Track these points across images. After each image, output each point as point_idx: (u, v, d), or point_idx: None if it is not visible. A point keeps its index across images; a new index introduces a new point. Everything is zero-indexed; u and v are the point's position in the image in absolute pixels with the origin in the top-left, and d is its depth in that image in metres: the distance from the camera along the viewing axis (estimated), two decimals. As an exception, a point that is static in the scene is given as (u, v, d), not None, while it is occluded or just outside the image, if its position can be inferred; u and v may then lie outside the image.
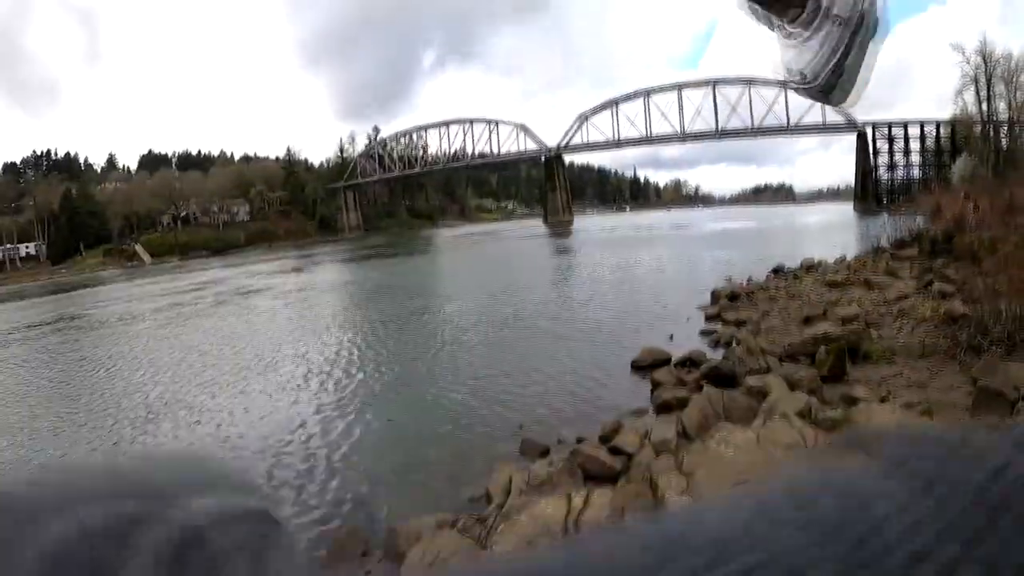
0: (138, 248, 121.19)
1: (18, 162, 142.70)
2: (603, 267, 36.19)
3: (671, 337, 16.13)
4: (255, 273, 54.95)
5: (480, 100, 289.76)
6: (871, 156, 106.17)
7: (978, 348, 10.02)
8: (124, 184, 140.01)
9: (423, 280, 39.59)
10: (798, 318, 15.55)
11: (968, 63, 66.46)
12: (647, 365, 13.45)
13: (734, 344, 14.08)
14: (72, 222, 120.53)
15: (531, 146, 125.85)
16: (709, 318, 18.45)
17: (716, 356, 13.76)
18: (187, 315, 31.25)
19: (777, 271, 25.93)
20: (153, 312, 34.13)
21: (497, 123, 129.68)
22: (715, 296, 21.16)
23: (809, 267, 25.63)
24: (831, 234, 44.40)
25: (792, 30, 0.72)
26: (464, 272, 43.58)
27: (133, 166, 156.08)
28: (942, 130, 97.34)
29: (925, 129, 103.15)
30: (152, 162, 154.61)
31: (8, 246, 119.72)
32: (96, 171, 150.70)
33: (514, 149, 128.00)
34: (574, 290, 27.80)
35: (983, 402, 7.89)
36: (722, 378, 10.92)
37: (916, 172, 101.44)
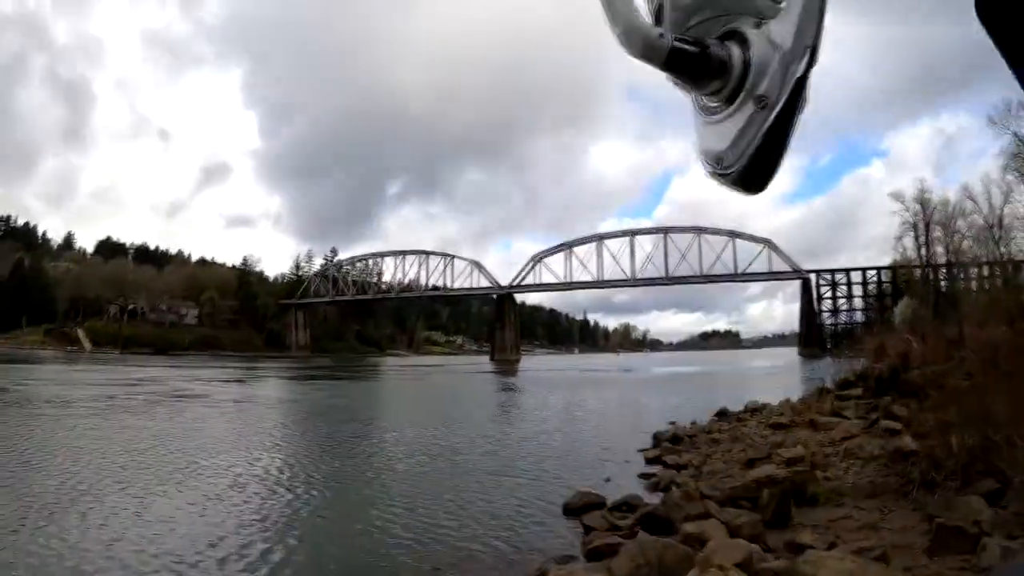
0: (80, 333, 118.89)
1: None
2: (545, 407, 35.21)
3: (607, 480, 15.13)
4: (196, 378, 53.52)
5: (438, 232, 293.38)
6: (815, 301, 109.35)
7: (931, 484, 9.23)
8: (77, 266, 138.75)
9: (364, 407, 38.32)
10: (741, 461, 14.70)
11: (907, 210, 69.60)
12: (579, 507, 12.38)
13: (673, 488, 13.15)
14: (18, 292, 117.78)
15: (484, 282, 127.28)
16: (649, 460, 17.45)
17: (654, 500, 12.80)
18: (119, 408, 30.51)
19: (721, 414, 25.19)
20: (87, 400, 33.40)
21: (453, 258, 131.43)
22: (656, 439, 20.28)
23: (753, 410, 24.96)
24: (776, 378, 44.39)
25: (712, 105, 0.70)
26: (406, 402, 42.74)
27: (90, 248, 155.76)
28: (883, 275, 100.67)
29: (867, 274, 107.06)
30: (109, 249, 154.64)
31: None
32: (52, 247, 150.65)
33: (467, 284, 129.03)
34: (513, 428, 26.70)
35: (943, 541, 7.00)
36: (658, 523, 9.94)
37: (859, 316, 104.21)
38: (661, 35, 0.66)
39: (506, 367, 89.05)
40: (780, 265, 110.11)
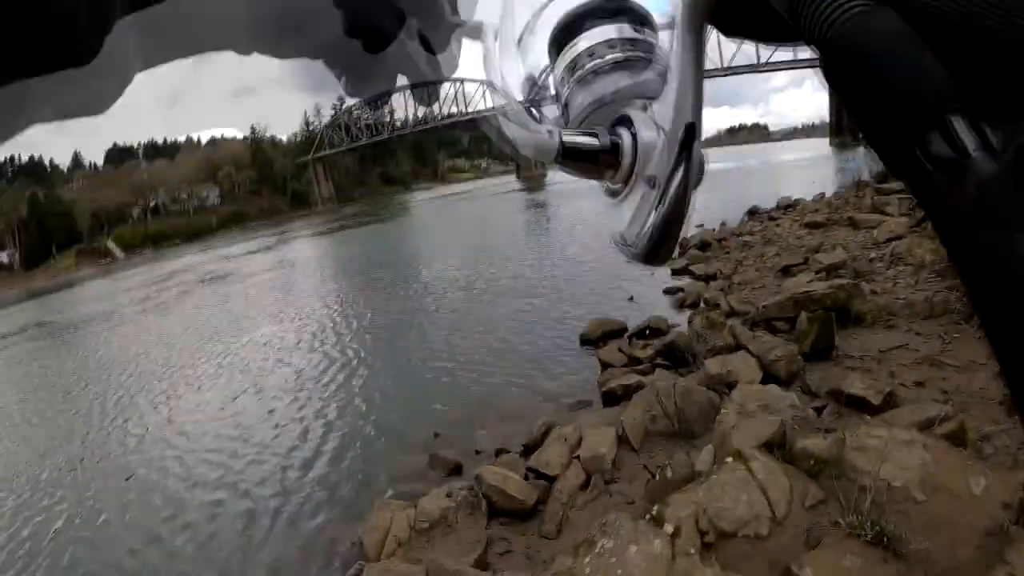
0: (110, 244, 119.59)
1: None
2: (567, 220, 33.79)
3: (631, 298, 13.85)
4: (227, 256, 53.42)
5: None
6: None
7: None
8: (91, 181, 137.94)
9: (392, 248, 37.65)
10: (775, 267, 13.18)
11: None
12: (597, 338, 11.16)
13: (701, 304, 11.86)
14: (42, 226, 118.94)
15: (500, 102, 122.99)
16: (676, 272, 15.99)
17: (681, 319, 11.55)
18: (167, 303, 31.17)
19: (752, 213, 23.52)
20: (128, 306, 34.52)
21: (462, 81, 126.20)
22: (682, 246, 18.72)
23: (786, 207, 23.26)
24: (808, 170, 42.44)
25: (613, 188, 0.70)
26: (433, 236, 41.84)
27: (99, 161, 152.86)
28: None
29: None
30: (118, 155, 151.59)
31: None
32: (62, 172, 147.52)
33: (482, 107, 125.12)
34: (538, 248, 25.63)
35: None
36: (680, 356, 8.66)
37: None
38: (550, 133, 0.66)
39: (532, 183, 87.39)
40: (806, 52, 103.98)
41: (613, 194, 0.70)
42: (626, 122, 0.67)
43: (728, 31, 0.66)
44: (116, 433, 12.08)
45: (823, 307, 8.37)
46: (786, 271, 12.60)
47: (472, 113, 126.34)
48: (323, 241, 52.28)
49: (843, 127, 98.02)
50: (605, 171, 0.68)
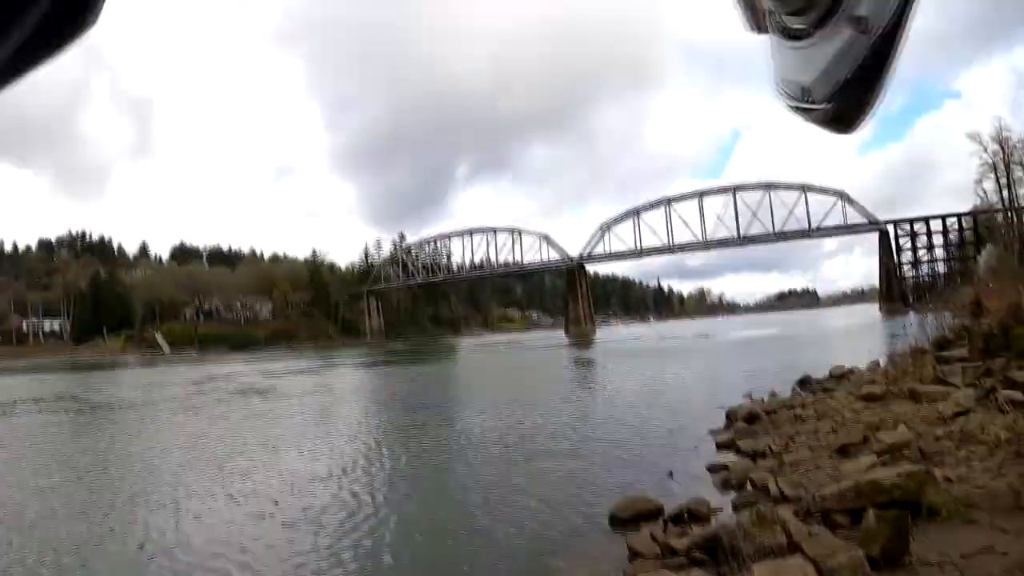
0: (159, 336, 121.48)
1: (53, 240, 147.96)
2: (615, 381, 32.86)
3: (670, 474, 12.54)
4: (271, 372, 53.33)
5: (508, 209, 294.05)
6: (894, 254, 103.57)
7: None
8: (153, 273, 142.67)
9: (436, 390, 37.00)
10: (831, 446, 11.84)
11: (986, 151, 65.14)
12: (628, 518, 9.87)
13: (748, 488, 10.55)
14: (98, 304, 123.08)
15: (554, 255, 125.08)
16: (721, 446, 14.72)
17: (725, 502, 10.25)
18: (196, 407, 30.73)
19: (803, 383, 22.29)
20: (167, 400, 34.33)
21: (520, 232, 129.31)
22: (730, 417, 17.43)
23: (840, 376, 21.94)
24: (859, 337, 41.19)
25: (795, 26, 0.56)
26: (478, 383, 41.06)
27: (165, 255, 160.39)
28: (964, 222, 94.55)
29: (947, 223, 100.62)
30: (183, 254, 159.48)
31: (34, 320, 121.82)
32: (128, 257, 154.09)
33: (537, 258, 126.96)
34: (581, 407, 24.38)
35: None
36: (723, 553, 7.38)
37: (941, 267, 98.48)
38: None
39: (580, 340, 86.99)
40: (855, 218, 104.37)
41: (795, 34, 0.56)
42: None
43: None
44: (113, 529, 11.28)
45: (891, 500, 7.14)
46: (844, 451, 11.29)
47: (528, 265, 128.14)
48: (367, 373, 51.77)
49: (892, 292, 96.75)
50: (795, 1, 0.55)
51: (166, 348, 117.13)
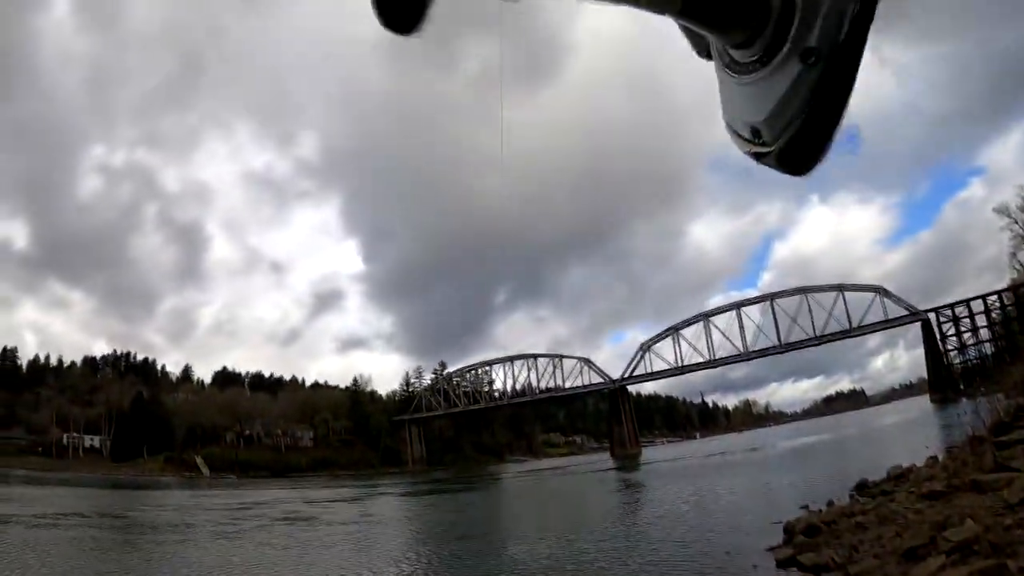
0: (198, 460, 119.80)
1: (98, 357, 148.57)
2: (665, 503, 31.72)
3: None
4: (313, 500, 52.43)
5: (548, 334, 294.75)
6: (939, 341, 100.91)
7: None
8: (195, 396, 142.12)
9: (479, 519, 36.15)
10: (897, 551, 11.07)
11: (1016, 222, 64.48)
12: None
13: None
14: (139, 423, 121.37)
15: (595, 379, 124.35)
16: (781, 563, 13.86)
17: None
18: (237, 533, 30.41)
19: (861, 488, 21.29)
20: (207, 524, 34.00)
21: (561, 358, 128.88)
22: (788, 531, 16.50)
23: (898, 477, 20.96)
24: (913, 432, 39.94)
25: (745, 61, 0.54)
26: (524, 511, 40.15)
27: (207, 379, 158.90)
28: (1005, 298, 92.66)
29: (988, 301, 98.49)
30: (225, 379, 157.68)
31: (75, 435, 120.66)
32: (171, 379, 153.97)
33: (579, 382, 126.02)
34: (631, 532, 23.49)
35: None
36: None
37: (988, 348, 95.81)
38: None
39: (627, 462, 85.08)
40: (895, 311, 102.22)
41: (742, 68, 0.53)
42: None
43: None
44: None
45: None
46: (911, 554, 10.52)
47: (569, 390, 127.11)
48: (409, 502, 51.00)
49: (941, 381, 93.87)
50: (738, 33, 0.53)
51: (206, 471, 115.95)
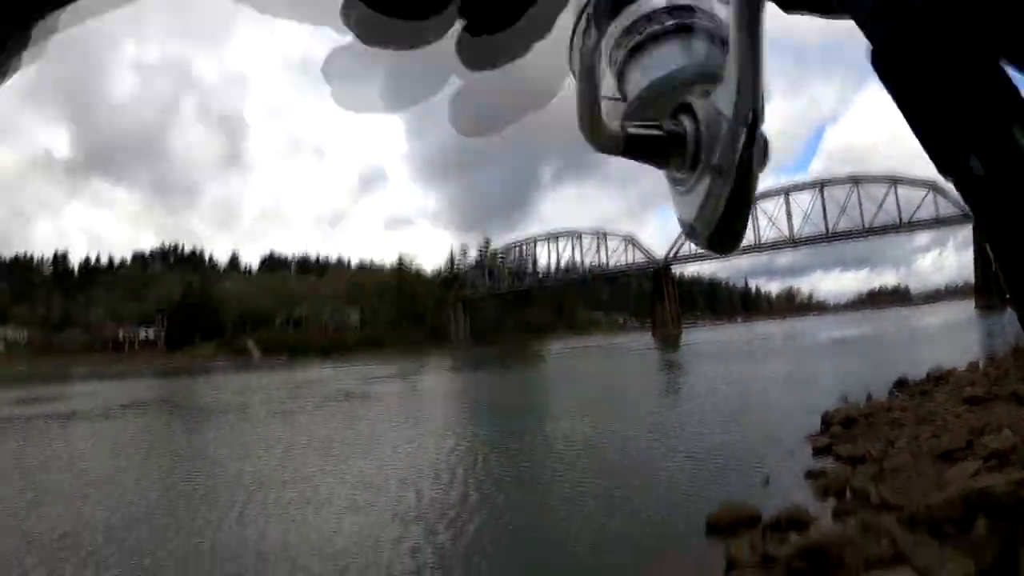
0: (250, 344, 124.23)
1: (147, 252, 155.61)
2: (704, 384, 31.93)
3: (766, 481, 12.23)
4: (361, 377, 53.50)
5: (594, 211, 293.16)
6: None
7: None
8: (243, 283, 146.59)
9: (529, 395, 37.07)
10: (933, 452, 11.37)
11: None
12: (725, 525, 9.67)
13: (848, 496, 10.24)
14: (190, 313, 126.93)
15: (639, 258, 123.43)
16: (818, 451, 14.28)
17: (824, 509, 9.97)
18: (299, 409, 31.68)
19: (900, 385, 21.37)
20: (263, 404, 35.35)
21: (605, 235, 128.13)
22: (826, 421, 16.87)
23: (938, 378, 21.01)
24: (955, 336, 39.45)
25: (679, 176, 0.69)
26: (569, 389, 40.27)
27: (255, 265, 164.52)
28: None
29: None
30: (272, 264, 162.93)
31: (130, 330, 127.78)
32: (219, 267, 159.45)
33: (623, 261, 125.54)
34: (671, 412, 23.88)
35: None
36: (827, 562, 7.16)
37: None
38: (620, 126, 0.66)
39: (668, 343, 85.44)
40: (948, 209, 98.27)
41: (680, 184, 0.70)
42: (688, 110, 0.67)
43: (787, 5, 0.63)
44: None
45: (1002, 508, 6.81)
46: (947, 457, 10.82)
47: (613, 268, 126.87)
48: (456, 379, 52.13)
49: (989, 287, 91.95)
50: (670, 161, 0.69)
51: (257, 354, 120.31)
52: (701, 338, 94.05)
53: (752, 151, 0.63)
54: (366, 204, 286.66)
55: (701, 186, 0.66)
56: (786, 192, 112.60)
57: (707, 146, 0.65)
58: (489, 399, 34.01)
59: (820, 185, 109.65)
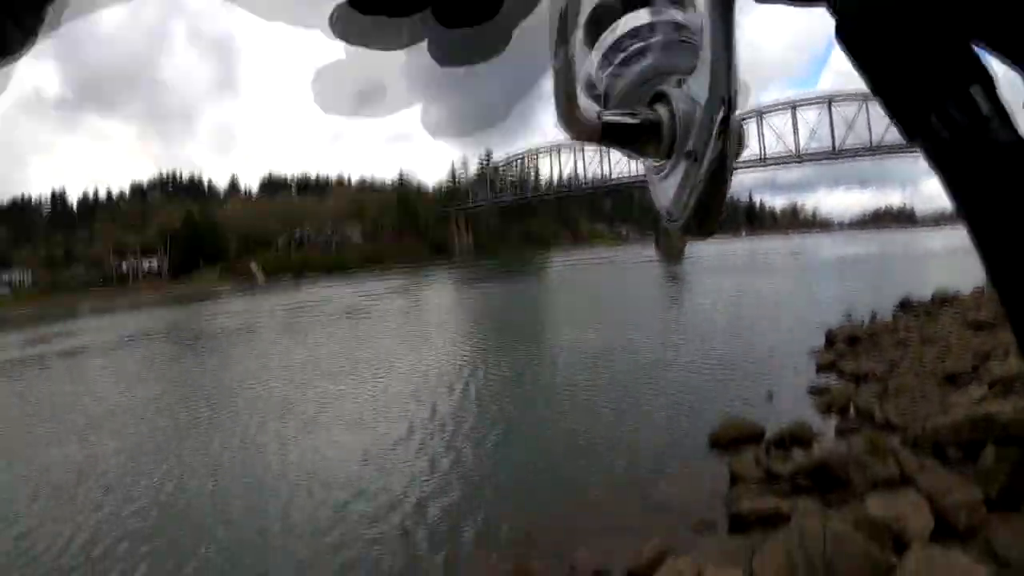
0: (254, 266, 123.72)
1: (145, 183, 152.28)
2: (709, 299, 31.89)
3: (770, 396, 12.27)
4: (366, 293, 53.67)
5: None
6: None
7: None
8: (243, 205, 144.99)
9: (525, 308, 36.85)
10: (938, 374, 11.36)
11: None
12: (729, 441, 9.71)
13: (851, 410, 10.29)
14: (192, 240, 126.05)
15: (643, 169, 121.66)
16: (821, 368, 14.31)
17: (827, 427, 10.03)
18: (305, 328, 32.23)
19: (904, 305, 21.29)
20: (270, 325, 36.37)
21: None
22: (830, 338, 16.87)
23: (943, 300, 20.94)
24: (961, 259, 39.08)
25: (656, 164, 0.71)
26: (572, 302, 40.28)
27: (255, 188, 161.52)
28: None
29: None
30: (272, 186, 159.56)
31: (132, 261, 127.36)
32: (219, 192, 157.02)
33: (626, 172, 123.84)
34: (670, 326, 23.75)
35: None
36: (831, 481, 7.19)
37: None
38: (596, 114, 0.68)
39: (671, 256, 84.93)
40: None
41: (656, 170, 0.72)
42: (663, 99, 0.68)
43: None
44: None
45: (1009, 435, 6.79)
46: (952, 380, 10.80)
47: (616, 180, 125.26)
48: (460, 291, 52.32)
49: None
50: (646, 148, 0.70)
51: (261, 277, 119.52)
52: (705, 252, 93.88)
53: (727, 137, 0.65)
54: (363, 120, 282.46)
55: (677, 172, 0.68)
56: (793, 106, 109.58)
57: (683, 132, 0.67)
58: (489, 313, 34.32)
59: (828, 100, 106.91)
